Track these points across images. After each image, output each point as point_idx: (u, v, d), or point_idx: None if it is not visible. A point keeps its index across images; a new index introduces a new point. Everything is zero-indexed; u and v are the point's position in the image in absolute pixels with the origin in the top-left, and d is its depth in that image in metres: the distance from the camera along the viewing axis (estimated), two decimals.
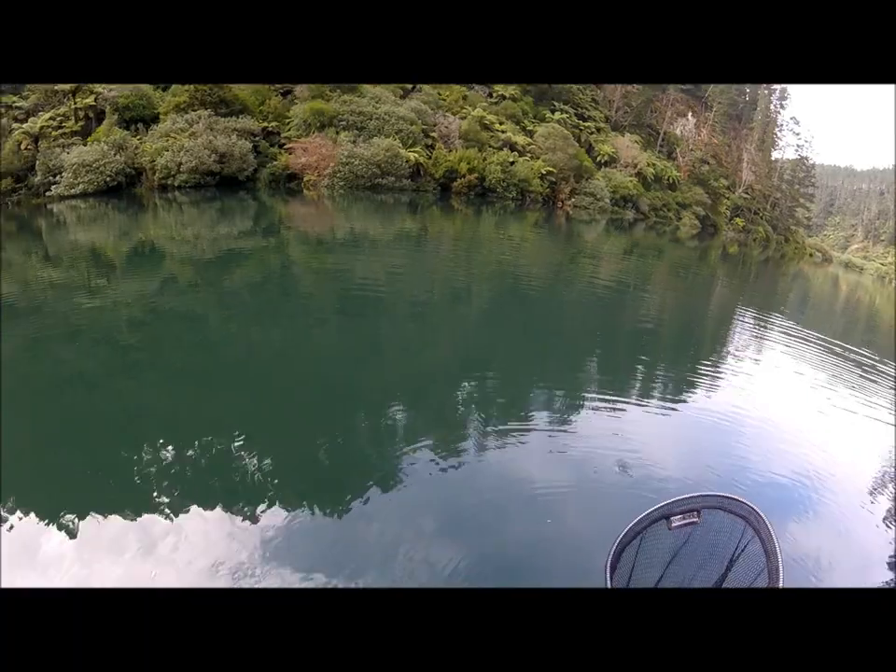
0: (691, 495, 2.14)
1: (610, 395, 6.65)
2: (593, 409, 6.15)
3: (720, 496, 2.16)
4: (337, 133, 28.94)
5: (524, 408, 5.96)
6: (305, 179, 28.09)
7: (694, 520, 2.12)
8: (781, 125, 64.57)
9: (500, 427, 5.39)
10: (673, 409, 6.60)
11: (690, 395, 7.40)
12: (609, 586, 1.91)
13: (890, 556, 2.47)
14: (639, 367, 8.37)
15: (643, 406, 6.48)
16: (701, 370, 8.61)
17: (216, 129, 26.49)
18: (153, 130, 26.92)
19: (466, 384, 6.44)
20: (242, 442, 4.60)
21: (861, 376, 9.75)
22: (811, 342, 12.31)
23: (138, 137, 26.63)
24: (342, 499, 4.05)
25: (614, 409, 6.18)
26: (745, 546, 2.09)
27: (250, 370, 6.27)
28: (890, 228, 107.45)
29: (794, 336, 12.73)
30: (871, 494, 5.13)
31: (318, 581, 3.24)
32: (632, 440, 5.40)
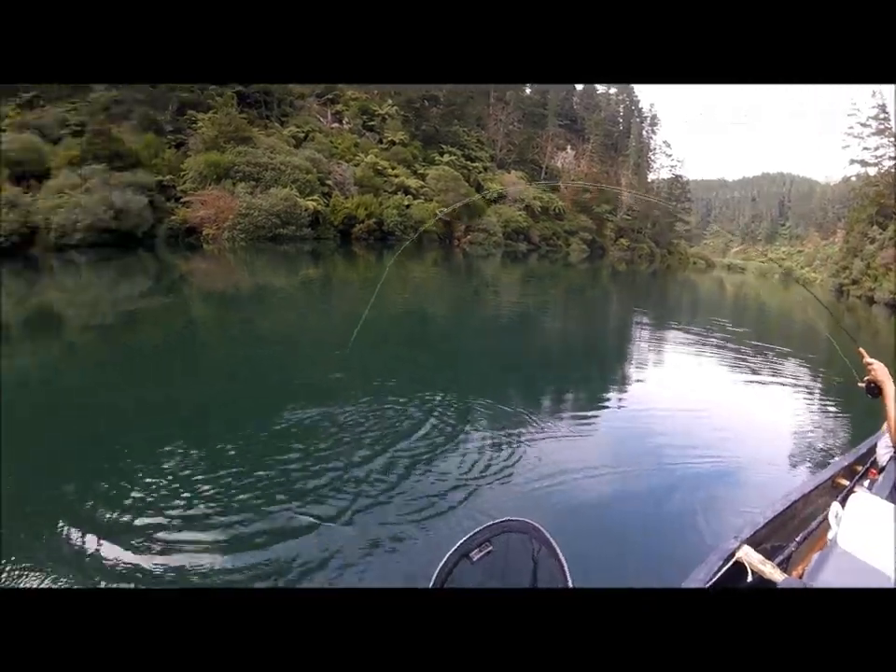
0: (477, 529, 2.31)
1: (524, 417, 6.76)
2: (504, 435, 6.22)
3: (502, 521, 2.37)
4: (234, 184, 29.19)
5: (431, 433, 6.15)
6: (205, 233, 27.93)
7: (490, 548, 2.30)
8: (654, 149, 71.03)
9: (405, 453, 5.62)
10: (587, 422, 7.04)
11: (601, 405, 7.92)
12: None
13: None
14: (549, 386, 8.95)
15: (555, 424, 6.69)
16: (609, 384, 9.49)
17: (110, 184, 25.79)
18: (46, 185, 25.53)
19: (381, 413, 6.60)
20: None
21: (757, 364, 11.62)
22: (707, 342, 14.11)
23: (30, 193, 25.08)
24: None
25: (528, 431, 6.36)
26: (538, 554, 2.31)
27: (161, 431, 6.31)
28: (765, 229, 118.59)
29: (688, 336, 14.58)
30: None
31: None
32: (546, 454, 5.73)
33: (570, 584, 2.11)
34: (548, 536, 2.29)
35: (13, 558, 3.84)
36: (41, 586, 3.50)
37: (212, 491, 4.88)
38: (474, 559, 2.26)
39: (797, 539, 2.60)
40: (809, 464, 6.17)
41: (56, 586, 3.49)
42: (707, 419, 7.44)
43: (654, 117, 71.07)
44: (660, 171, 72.41)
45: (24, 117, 29.58)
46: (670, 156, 76.27)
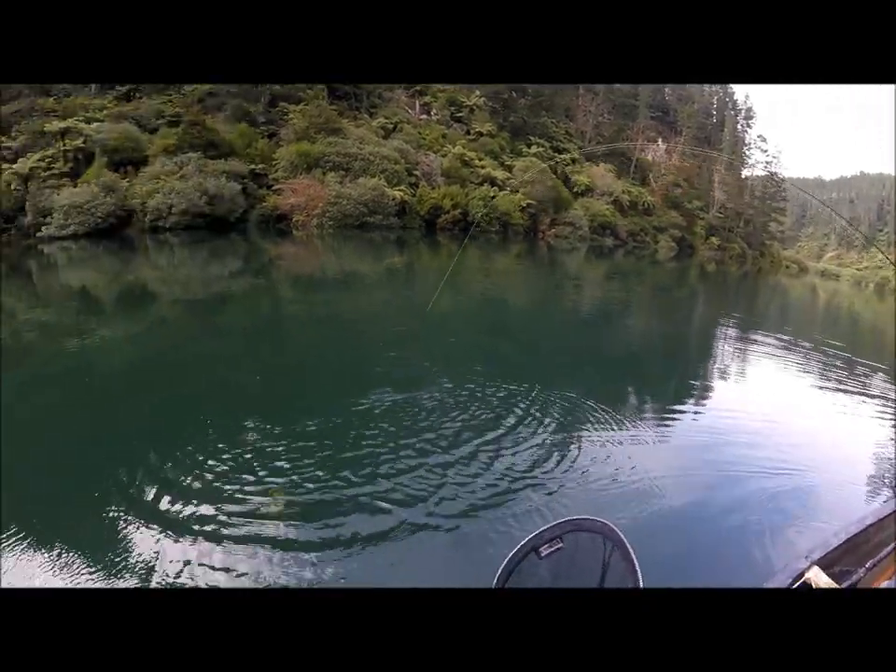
0: (550, 524, 2.30)
1: (604, 415, 6.64)
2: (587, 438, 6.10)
3: (576, 518, 2.34)
4: (324, 173, 29.82)
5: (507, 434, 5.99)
6: (294, 220, 28.74)
7: (560, 545, 2.28)
8: (749, 144, 67.02)
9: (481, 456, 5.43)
10: (666, 427, 6.81)
11: (680, 407, 7.71)
12: None
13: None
14: (629, 384, 8.74)
15: (636, 426, 6.54)
16: (690, 386, 9.31)
17: (205, 171, 27.04)
18: (143, 172, 27.16)
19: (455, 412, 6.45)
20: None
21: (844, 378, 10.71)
22: (792, 349, 13.33)
23: (127, 179, 26.80)
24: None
25: (613, 431, 6.26)
26: (609, 555, 2.29)
27: (236, 409, 6.36)
28: (862, 233, 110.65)
29: (774, 343, 13.72)
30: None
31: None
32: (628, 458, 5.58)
33: (641, 587, 2.07)
34: (622, 537, 2.28)
35: (67, 541, 3.77)
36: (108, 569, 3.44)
37: (287, 477, 4.77)
38: (542, 554, 2.25)
39: (866, 566, 2.61)
40: (888, 487, 5.89)
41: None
42: (787, 430, 7.27)
43: (749, 109, 67.22)
44: (754, 167, 68.30)
45: (121, 108, 31.11)
46: (765, 151, 71.05)
